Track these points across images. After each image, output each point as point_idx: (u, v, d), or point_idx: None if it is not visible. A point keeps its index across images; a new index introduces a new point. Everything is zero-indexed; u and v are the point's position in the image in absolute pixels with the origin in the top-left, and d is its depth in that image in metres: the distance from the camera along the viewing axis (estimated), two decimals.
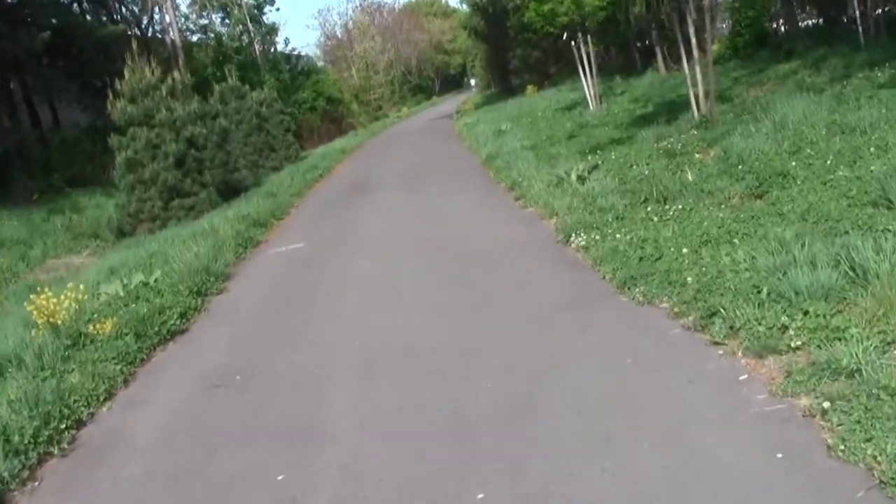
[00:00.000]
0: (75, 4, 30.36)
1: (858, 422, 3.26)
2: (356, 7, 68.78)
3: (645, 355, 4.68)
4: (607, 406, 4.12)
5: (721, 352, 4.42)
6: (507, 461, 3.76)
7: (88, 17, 30.60)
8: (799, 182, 7.24)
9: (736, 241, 6.00)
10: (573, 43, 20.01)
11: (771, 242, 5.53)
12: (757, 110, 11.45)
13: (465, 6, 44.20)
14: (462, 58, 76.09)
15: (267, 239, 12.08)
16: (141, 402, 5.68)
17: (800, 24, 22.51)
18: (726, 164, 8.82)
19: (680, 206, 7.52)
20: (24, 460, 4.62)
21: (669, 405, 3.97)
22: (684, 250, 6.08)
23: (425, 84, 74.06)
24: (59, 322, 6.98)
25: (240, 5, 39.70)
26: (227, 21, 40.53)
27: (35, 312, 7.04)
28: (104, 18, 31.49)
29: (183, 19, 39.25)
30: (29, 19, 23.45)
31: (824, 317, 4.24)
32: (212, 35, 39.92)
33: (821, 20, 24.35)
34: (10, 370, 6.26)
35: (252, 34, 40.37)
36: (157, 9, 33.84)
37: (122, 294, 8.29)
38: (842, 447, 3.16)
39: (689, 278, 5.45)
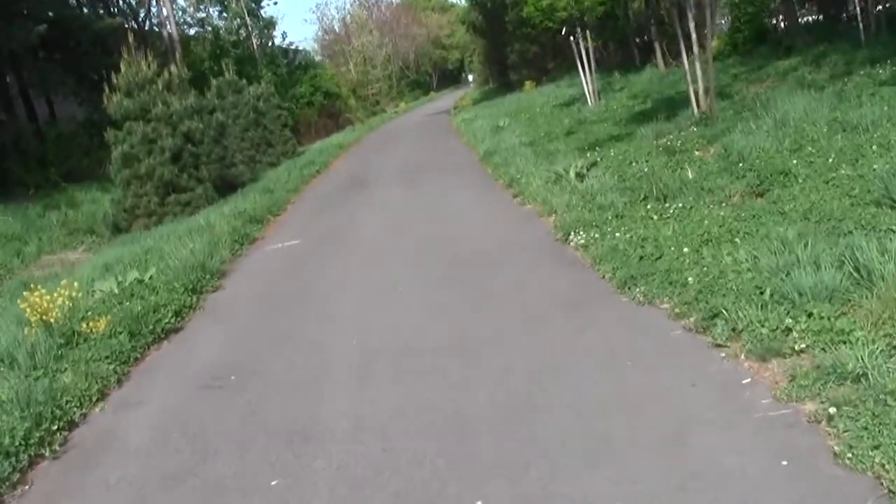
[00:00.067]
0: None
1: (865, 428, 3.19)
2: (354, 1, 68.54)
3: (646, 357, 4.62)
4: (608, 409, 4.06)
5: (723, 354, 4.36)
6: (507, 463, 3.69)
7: (85, 10, 30.37)
8: (800, 180, 7.18)
9: (737, 240, 5.93)
10: (572, 38, 19.93)
11: (773, 242, 5.47)
12: (757, 107, 11.38)
13: (463, 1, 44.13)
14: (460, 53, 76.01)
15: (263, 235, 12.01)
16: (134, 403, 5.60)
17: (799, 20, 22.41)
18: (727, 161, 8.76)
19: (680, 205, 7.46)
20: (14, 463, 4.53)
21: (671, 408, 3.91)
22: (685, 249, 6.02)
23: (423, 79, 73.93)
24: (53, 320, 6.89)
25: None
26: (224, 15, 40.33)
27: (28, 310, 6.96)
28: (101, 11, 31.24)
29: (180, 12, 39.08)
30: (25, 12, 23.26)
31: (828, 319, 4.18)
32: (209, 29, 39.67)
33: (820, 17, 24.26)
34: (1, 369, 6.18)
35: (250, 28, 40.18)
36: (154, 2, 33.68)
37: (116, 291, 8.20)
38: (849, 454, 3.09)
39: (690, 278, 5.38)
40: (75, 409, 5.35)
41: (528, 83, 35.42)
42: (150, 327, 6.91)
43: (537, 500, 3.37)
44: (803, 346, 4.04)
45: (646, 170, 9.37)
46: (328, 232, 11.36)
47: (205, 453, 4.51)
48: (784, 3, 21.56)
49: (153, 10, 34.48)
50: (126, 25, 29.56)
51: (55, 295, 7.09)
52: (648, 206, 7.75)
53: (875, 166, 6.77)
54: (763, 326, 4.33)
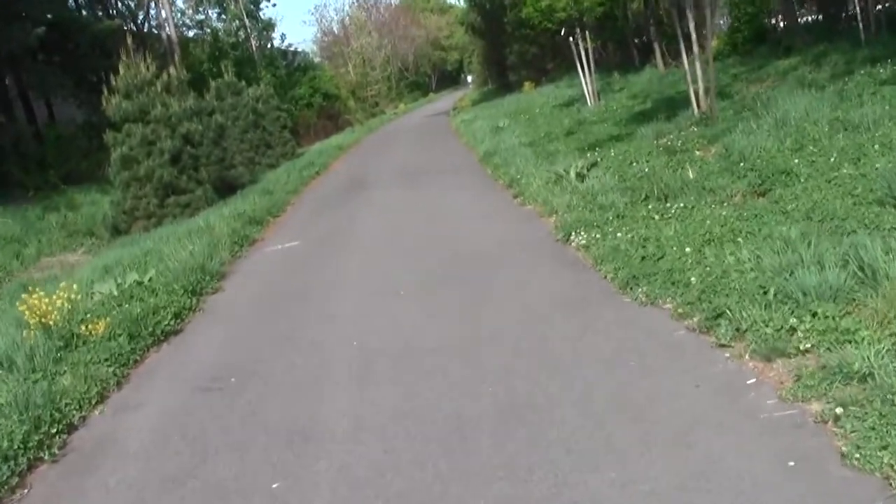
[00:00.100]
0: None
1: (873, 428, 3.15)
2: (353, 3, 68.62)
3: (649, 357, 4.58)
4: (611, 410, 4.02)
5: (727, 354, 4.32)
6: (509, 467, 3.65)
7: (84, 12, 30.37)
8: (802, 180, 7.15)
9: (740, 239, 5.89)
10: (571, 39, 19.91)
11: (776, 241, 5.44)
12: (757, 107, 11.36)
13: (461, 2, 44.13)
14: (459, 54, 76.02)
15: (263, 237, 11.98)
16: (134, 406, 5.56)
17: (799, 20, 22.39)
18: (728, 161, 8.73)
19: (681, 204, 7.42)
20: (13, 466, 4.50)
21: (675, 410, 3.87)
22: (687, 249, 5.98)
23: (422, 80, 73.93)
24: (52, 322, 6.87)
25: (236, 1, 39.48)
26: (223, 16, 40.30)
27: (27, 312, 6.93)
28: (100, 13, 31.25)
29: (179, 14, 39.09)
30: (24, 14, 23.23)
31: (833, 318, 4.14)
32: (208, 30, 39.64)
33: (820, 16, 24.23)
34: (0, 372, 6.14)
35: (248, 30, 40.15)
36: (153, 4, 33.65)
37: (115, 293, 8.17)
38: (857, 455, 3.06)
39: (692, 278, 5.35)
40: (74, 411, 5.32)
41: (527, 84, 35.40)
42: (150, 329, 6.87)
43: (540, 502, 3.34)
44: (808, 345, 4.00)
45: (646, 170, 9.33)
46: (328, 233, 11.33)
47: (205, 455, 4.47)
48: (783, 3, 21.53)
49: (152, 12, 34.49)
50: (125, 27, 29.57)
51: (54, 297, 7.06)
52: (650, 206, 7.71)
53: (877, 165, 6.74)
54: (767, 326, 4.29)
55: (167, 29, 32.00)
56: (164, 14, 32.59)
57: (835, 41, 16.72)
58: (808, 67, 14.62)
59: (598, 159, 11.06)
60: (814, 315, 4.23)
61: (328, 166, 21.90)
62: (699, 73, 12.80)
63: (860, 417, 3.26)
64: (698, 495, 3.12)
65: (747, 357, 4.20)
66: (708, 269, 5.45)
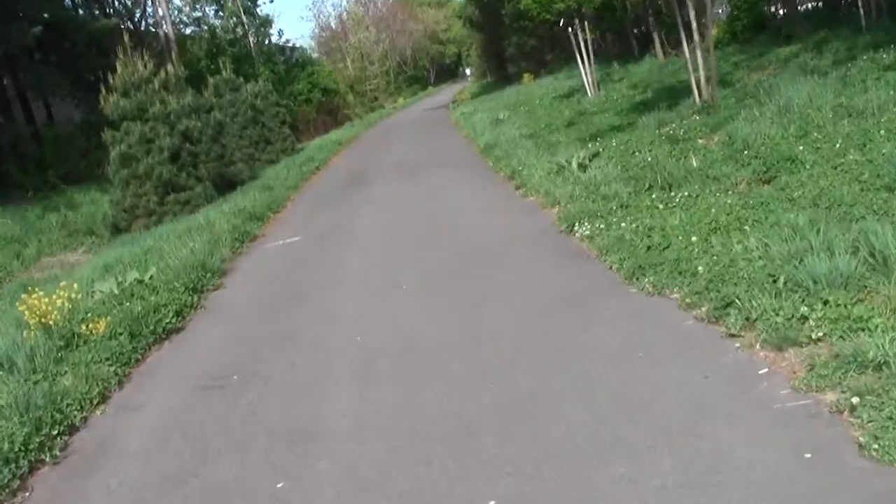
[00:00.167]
0: None
1: (891, 418, 3.08)
2: None
3: (657, 349, 4.50)
4: (619, 403, 3.95)
5: (738, 344, 4.24)
6: (516, 464, 3.58)
7: (80, 11, 30.28)
8: (808, 167, 7.06)
9: (746, 228, 5.81)
10: (570, 30, 19.79)
11: (783, 229, 5.35)
12: (760, 94, 11.25)
13: None
14: (457, 47, 75.79)
15: (264, 233, 11.90)
16: (136, 405, 5.50)
17: (798, 7, 22.25)
18: (731, 149, 8.63)
19: (686, 193, 7.34)
20: (14, 469, 4.43)
21: (686, 402, 3.79)
22: (693, 238, 5.90)
23: (420, 74, 73.76)
24: (52, 322, 6.80)
25: None
26: (220, 13, 40.22)
27: (27, 312, 6.86)
28: (96, 12, 31.16)
29: (176, 12, 38.96)
30: (20, 14, 23.14)
31: (845, 306, 4.06)
32: (205, 27, 39.59)
33: (820, 3, 24.07)
34: (0, 373, 6.07)
35: (246, 26, 40.09)
36: (149, 2, 33.53)
37: (116, 292, 8.09)
38: (875, 446, 2.98)
39: (699, 267, 5.26)
40: (76, 412, 5.25)
41: (526, 76, 35.27)
42: (151, 328, 6.81)
43: (550, 499, 3.27)
44: (820, 334, 3.92)
45: (649, 159, 9.24)
46: (329, 228, 11.25)
47: (206, 455, 4.41)
48: None
49: (149, 10, 34.35)
50: (122, 26, 29.48)
51: (54, 297, 7.00)
52: (654, 196, 7.63)
53: (884, 151, 6.65)
54: (778, 315, 4.21)
55: (164, 26, 31.88)
56: (160, 12, 32.45)
57: (835, 28, 16.59)
58: (810, 54, 14.49)
59: (600, 149, 10.97)
60: (825, 303, 4.15)
61: (328, 161, 21.81)
62: (700, 61, 12.70)
63: (877, 407, 3.18)
64: (714, 488, 3.04)
65: (758, 347, 4.12)
66: (715, 257, 5.37)
